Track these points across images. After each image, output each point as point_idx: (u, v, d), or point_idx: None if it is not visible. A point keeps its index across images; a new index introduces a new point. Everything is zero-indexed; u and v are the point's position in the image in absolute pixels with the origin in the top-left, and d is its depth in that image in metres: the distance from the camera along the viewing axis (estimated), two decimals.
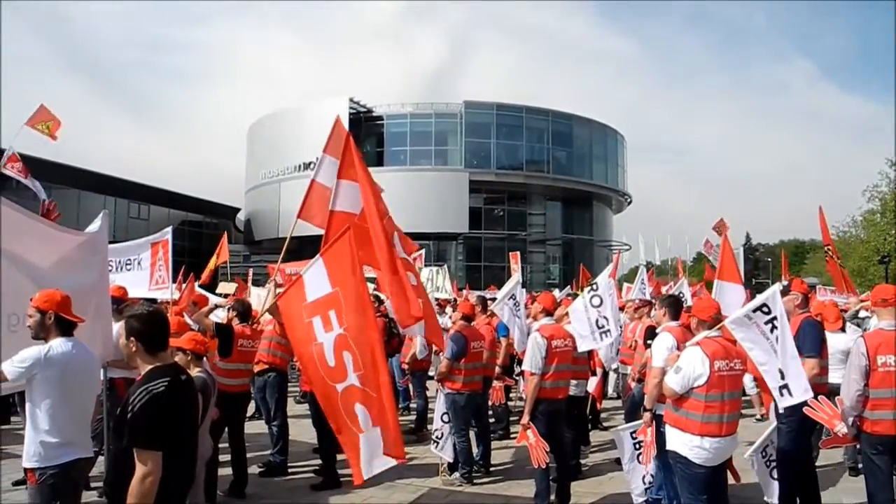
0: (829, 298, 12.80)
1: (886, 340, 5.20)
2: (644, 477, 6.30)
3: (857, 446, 6.48)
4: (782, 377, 4.97)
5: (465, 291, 19.47)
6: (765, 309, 4.99)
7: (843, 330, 7.94)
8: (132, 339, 3.38)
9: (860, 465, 7.27)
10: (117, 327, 5.48)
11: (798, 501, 6.00)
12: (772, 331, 4.96)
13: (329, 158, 8.23)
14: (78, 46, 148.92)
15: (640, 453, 6.16)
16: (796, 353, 5.08)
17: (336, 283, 5.61)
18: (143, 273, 9.11)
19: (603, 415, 10.76)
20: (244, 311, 7.57)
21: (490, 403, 9.11)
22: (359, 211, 7.31)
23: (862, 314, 10.26)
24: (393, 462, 5.33)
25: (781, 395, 5.01)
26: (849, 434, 5.32)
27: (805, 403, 5.80)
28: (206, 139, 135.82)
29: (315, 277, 5.74)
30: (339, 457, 7.93)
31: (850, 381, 5.23)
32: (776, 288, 5.17)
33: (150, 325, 3.41)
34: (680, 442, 4.96)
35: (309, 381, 5.96)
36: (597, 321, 7.72)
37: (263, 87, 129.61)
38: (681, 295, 11.02)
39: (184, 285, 13.73)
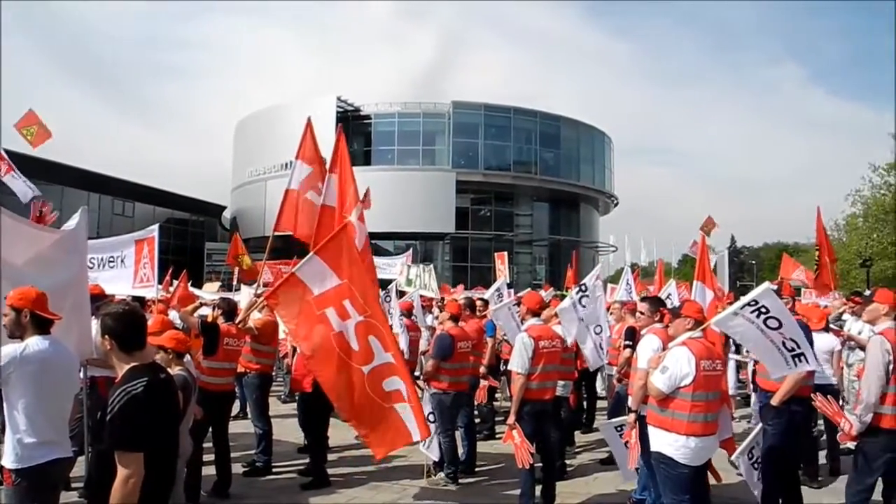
0: (812, 301, 12.90)
1: None
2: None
3: (844, 447, 6.56)
4: (797, 346, 5.05)
5: (455, 290, 19.41)
6: (752, 303, 5.03)
7: (826, 330, 7.98)
8: (106, 337, 3.32)
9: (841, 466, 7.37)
10: (96, 325, 5.45)
11: (780, 502, 6.02)
12: (758, 316, 5.01)
13: (302, 164, 8.33)
14: (70, 43, 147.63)
15: (626, 442, 6.14)
16: (799, 330, 5.18)
17: (344, 276, 5.89)
18: (127, 271, 9.04)
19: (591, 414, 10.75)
20: (230, 310, 7.52)
21: (475, 403, 9.10)
22: (335, 203, 7.48)
23: (845, 317, 10.31)
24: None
25: (796, 363, 5.10)
26: (855, 431, 5.34)
27: (790, 405, 5.91)
28: (198, 136, 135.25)
29: (314, 273, 5.92)
30: (329, 456, 7.95)
31: (874, 379, 5.22)
32: (766, 285, 5.21)
33: (124, 324, 3.33)
34: (665, 442, 4.97)
35: (321, 371, 6.05)
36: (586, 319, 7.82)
37: (256, 85, 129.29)
38: (668, 297, 11.05)
39: (172, 283, 13.65)
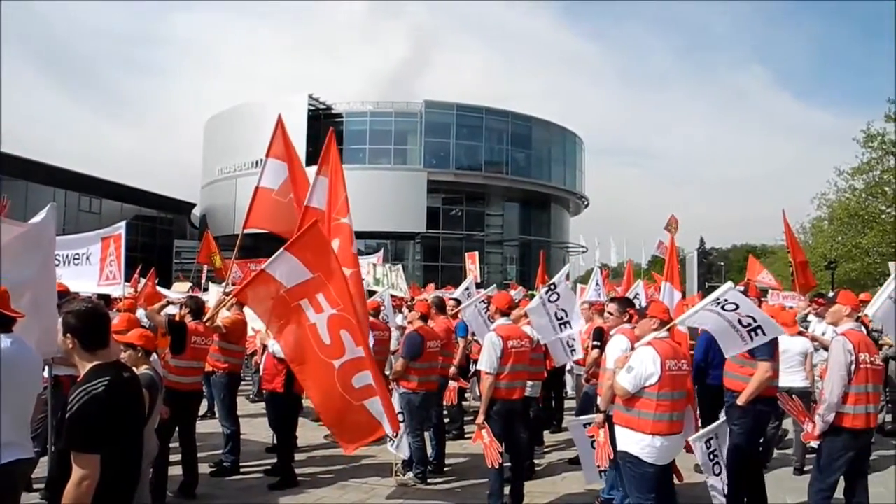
0: (779, 302, 13.07)
1: (864, 339, 5.50)
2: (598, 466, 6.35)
3: (808, 446, 6.66)
4: (754, 320, 5.26)
5: (425, 290, 19.42)
6: (716, 301, 5.17)
7: (798, 333, 8.12)
8: (69, 335, 3.25)
9: (806, 467, 7.47)
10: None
11: (745, 501, 6.10)
12: (716, 305, 5.29)
13: (273, 161, 8.28)
14: (38, 35, 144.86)
15: (593, 440, 6.17)
16: (761, 310, 5.47)
17: (316, 270, 5.91)
18: (92, 268, 8.93)
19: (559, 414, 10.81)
20: (197, 308, 7.45)
21: (444, 403, 9.11)
22: (324, 207, 7.47)
23: (809, 318, 10.46)
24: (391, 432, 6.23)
25: (752, 337, 5.33)
26: (818, 430, 5.45)
27: (756, 405, 6.00)
28: (167, 133, 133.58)
29: (286, 268, 5.95)
30: (297, 456, 7.91)
31: (836, 379, 5.34)
32: (729, 284, 5.35)
33: (87, 322, 3.27)
34: (631, 441, 5.02)
35: (295, 362, 6.09)
36: (556, 314, 7.87)
37: (226, 81, 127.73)
38: (636, 297, 11.14)
39: (141, 281, 13.50)
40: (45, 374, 5.64)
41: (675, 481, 5.61)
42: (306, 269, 5.91)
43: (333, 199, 7.60)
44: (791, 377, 7.75)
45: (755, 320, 5.28)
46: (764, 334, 5.34)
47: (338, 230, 7.24)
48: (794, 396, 6.15)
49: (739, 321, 5.28)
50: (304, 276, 5.90)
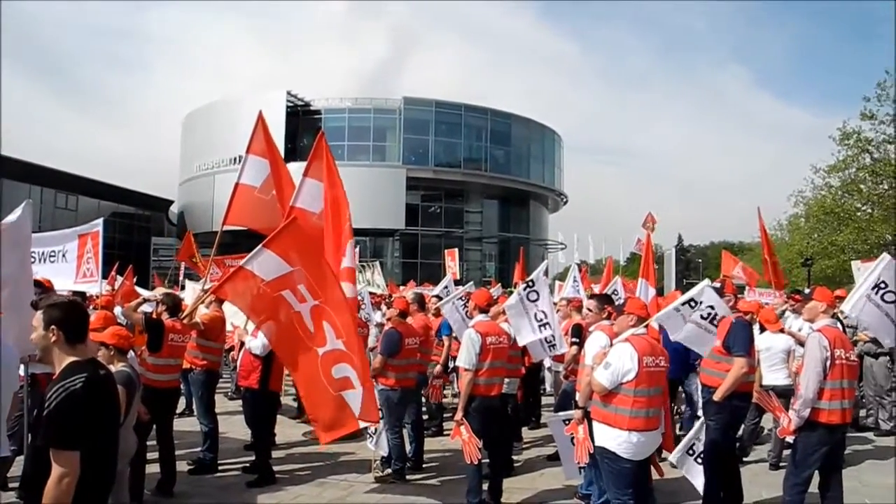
0: (755, 299, 13.21)
1: (840, 335, 5.60)
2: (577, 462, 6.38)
3: (785, 441, 6.75)
4: (712, 309, 5.70)
5: (405, 288, 19.42)
6: (692, 304, 5.23)
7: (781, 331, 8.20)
8: (53, 328, 3.22)
9: (782, 462, 7.56)
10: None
11: (722, 495, 6.16)
12: (692, 306, 5.61)
13: (253, 158, 8.22)
14: (15, 29, 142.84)
15: (573, 436, 6.20)
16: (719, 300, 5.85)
17: (296, 264, 5.95)
18: (69, 265, 8.84)
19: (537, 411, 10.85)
20: (174, 305, 7.40)
21: (423, 400, 9.11)
22: (318, 210, 7.42)
23: (786, 314, 10.56)
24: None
25: (713, 323, 5.77)
26: (794, 426, 5.52)
27: (732, 401, 6.08)
28: (145, 129, 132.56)
29: (265, 264, 5.95)
30: (275, 454, 7.88)
31: (812, 375, 5.39)
32: (706, 282, 5.44)
33: (71, 314, 3.26)
34: (608, 437, 5.05)
35: (281, 351, 6.17)
36: (535, 315, 7.87)
37: (205, 79, 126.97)
38: (614, 293, 11.20)
39: (118, 279, 13.40)
40: (21, 372, 5.59)
41: (656, 476, 5.64)
42: (286, 263, 5.94)
43: (343, 205, 7.54)
44: (774, 375, 7.82)
45: (713, 308, 5.61)
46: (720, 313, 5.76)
47: (348, 234, 7.30)
48: (769, 392, 6.22)
49: (701, 315, 5.58)
50: (283, 269, 5.92)
